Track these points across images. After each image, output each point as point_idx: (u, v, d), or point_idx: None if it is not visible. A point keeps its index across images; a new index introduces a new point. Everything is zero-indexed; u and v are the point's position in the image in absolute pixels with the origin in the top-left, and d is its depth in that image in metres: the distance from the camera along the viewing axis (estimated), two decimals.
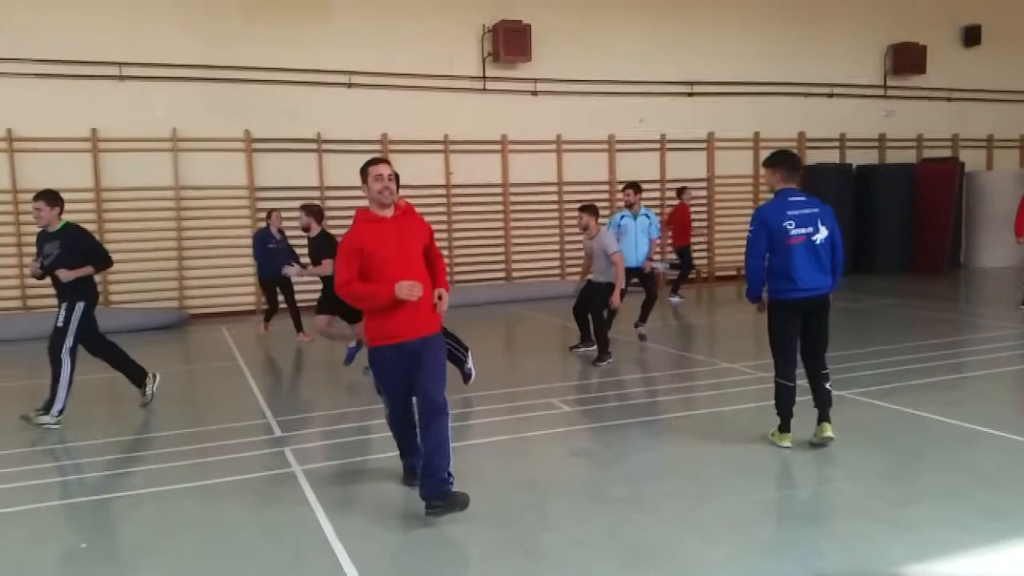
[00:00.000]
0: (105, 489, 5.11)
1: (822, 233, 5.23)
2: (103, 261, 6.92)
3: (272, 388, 8.12)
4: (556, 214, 15.34)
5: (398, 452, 4.95)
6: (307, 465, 5.42)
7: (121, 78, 12.52)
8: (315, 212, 8.05)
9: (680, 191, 13.94)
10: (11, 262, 12.08)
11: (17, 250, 12.02)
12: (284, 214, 11.07)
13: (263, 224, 11.27)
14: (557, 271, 15.36)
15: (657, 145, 15.97)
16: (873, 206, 16.67)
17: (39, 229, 6.83)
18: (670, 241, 14.00)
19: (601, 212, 9.13)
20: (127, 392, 7.30)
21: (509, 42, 14.29)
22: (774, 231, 5.19)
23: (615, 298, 8.42)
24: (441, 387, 4.41)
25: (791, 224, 5.18)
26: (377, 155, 4.42)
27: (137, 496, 4.98)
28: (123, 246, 12.62)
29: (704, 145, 16.36)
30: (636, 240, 9.38)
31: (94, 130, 12.44)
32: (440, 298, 4.49)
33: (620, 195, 9.84)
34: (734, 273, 16.39)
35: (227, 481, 5.21)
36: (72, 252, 6.69)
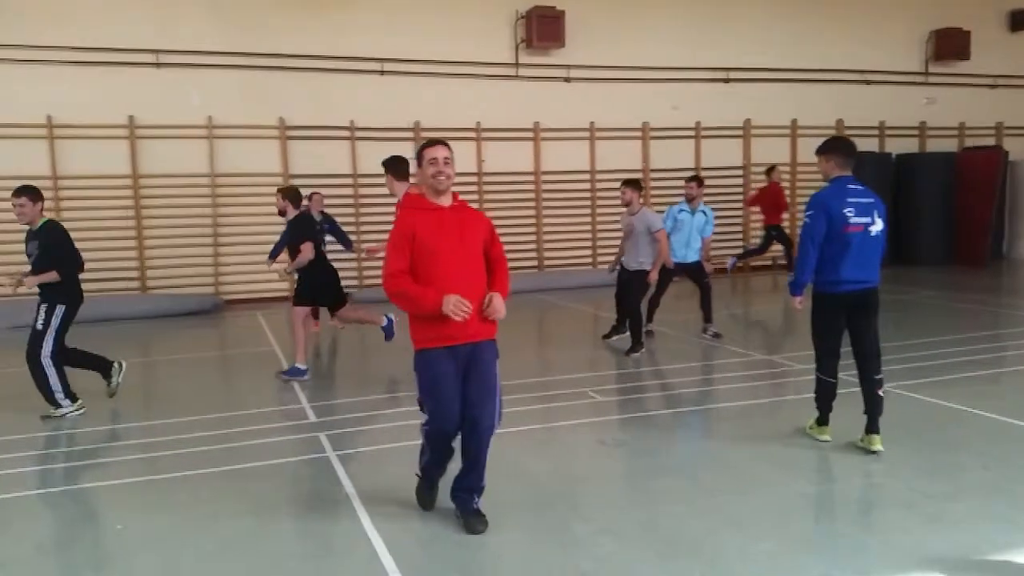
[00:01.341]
0: (140, 472, 5.17)
1: (878, 225, 5.04)
2: (69, 267, 6.43)
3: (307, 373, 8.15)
4: (588, 202, 15.24)
5: (420, 474, 4.33)
6: (341, 451, 5.45)
7: (157, 65, 12.63)
8: (291, 195, 7.75)
9: (769, 170, 13.73)
10: None
11: None
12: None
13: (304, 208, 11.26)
14: (589, 260, 15.27)
15: (692, 132, 15.77)
16: (913, 196, 16.32)
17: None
18: (760, 219, 13.80)
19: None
20: (161, 374, 7.38)
21: (542, 28, 14.19)
22: (834, 217, 4.96)
23: (654, 274, 8.28)
24: (494, 407, 3.98)
25: (851, 212, 4.96)
26: (433, 137, 4.13)
27: (172, 479, 5.04)
28: (160, 232, 12.82)
29: (740, 133, 16.13)
30: (690, 236, 9.04)
31: (131, 117, 12.58)
32: (490, 303, 3.92)
33: (683, 187, 9.30)
34: (770, 263, 16.19)
35: (262, 465, 5.25)
36: (46, 253, 6.36)
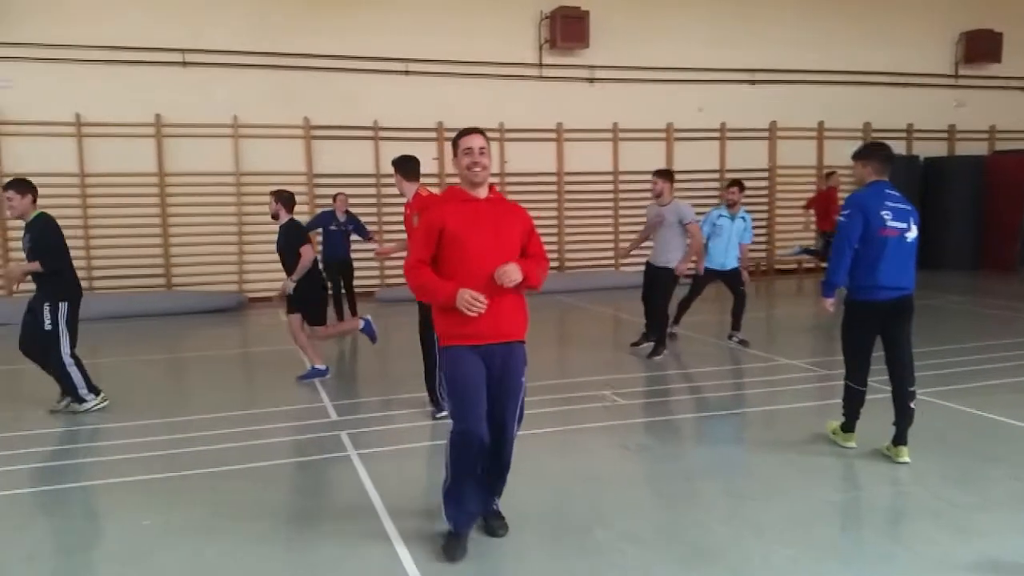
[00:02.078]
0: (163, 469, 5.21)
1: (913, 232, 4.94)
2: (55, 261, 6.32)
3: (329, 371, 8.17)
4: (611, 204, 15.18)
5: (444, 494, 3.87)
6: (362, 449, 5.45)
7: (184, 65, 12.75)
8: (285, 199, 7.56)
9: (828, 175, 13.62)
10: (78, 243, 12.40)
11: (84, 232, 12.34)
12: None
13: (329, 208, 11.29)
14: (611, 261, 15.22)
15: (717, 134, 15.66)
16: (941, 199, 16.10)
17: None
18: (813, 224, 13.62)
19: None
20: (185, 371, 7.42)
21: (567, 29, 14.16)
22: (871, 218, 4.85)
23: (683, 266, 8.10)
24: (517, 414, 3.83)
25: (888, 215, 4.86)
26: (469, 127, 3.85)
27: (194, 476, 5.06)
28: (185, 230, 12.94)
29: (766, 134, 16.00)
30: (729, 242, 8.77)
31: (158, 115, 12.70)
32: (504, 274, 3.60)
33: (723, 192, 9.04)
34: (794, 267, 16.05)
35: (283, 463, 5.27)
36: (36, 247, 6.27)
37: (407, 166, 6.46)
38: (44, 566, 3.87)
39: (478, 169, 3.72)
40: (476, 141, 3.74)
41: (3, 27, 11.94)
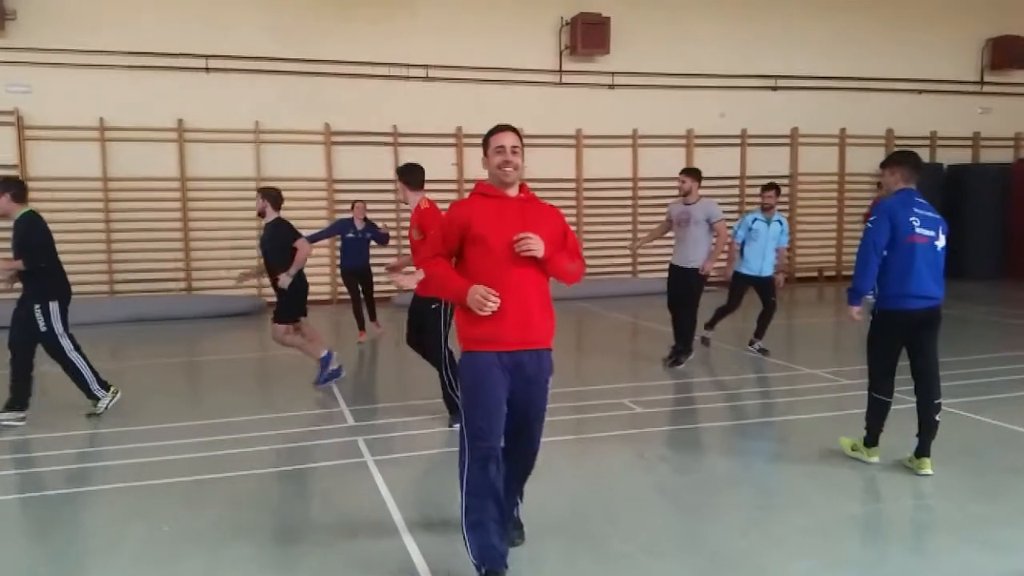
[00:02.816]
0: (183, 472, 5.22)
1: (941, 241, 4.86)
2: (35, 260, 6.22)
3: (347, 377, 8.18)
4: (630, 210, 15.13)
5: (466, 527, 3.52)
6: (379, 456, 5.44)
7: (207, 70, 12.86)
8: (272, 197, 7.46)
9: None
10: (100, 247, 12.54)
11: (106, 236, 12.47)
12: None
13: (348, 215, 11.32)
14: (629, 268, 15.16)
15: (738, 140, 15.57)
16: (965, 207, 15.88)
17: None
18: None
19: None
20: (204, 375, 7.45)
21: (587, 35, 14.14)
22: (899, 224, 4.77)
23: (709, 264, 7.90)
24: (541, 429, 3.68)
25: (917, 221, 4.79)
26: (501, 124, 3.68)
27: (213, 480, 5.07)
28: (206, 234, 13.03)
29: (787, 141, 15.88)
30: (766, 247, 8.59)
31: (180, 121, 12.82)
32: (526, 239, 3.36)
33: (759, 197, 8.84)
34: (815, 275, 15.91)
35: (301, 468, 5.28)
36: (20, 245, 6.22)
37: (412, 175, 6.24)
38: (69, 569, 3.88)
39: (509, 169, 3.50)
40: (508, 139, 3.52)
41: (29, 33, 12.10)
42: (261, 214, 7.48)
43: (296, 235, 7.35)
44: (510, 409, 3.50)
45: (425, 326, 6.09)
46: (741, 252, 8.68)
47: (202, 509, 4.55)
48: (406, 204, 6.26)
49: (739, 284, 8.84)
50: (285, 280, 7.21)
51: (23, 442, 6.01)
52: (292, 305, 7.44)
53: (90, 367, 6.53)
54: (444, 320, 6.00)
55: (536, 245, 3.38)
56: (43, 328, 6.29)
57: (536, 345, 3.53)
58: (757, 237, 8.60)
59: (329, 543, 4.10)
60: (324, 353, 7.56)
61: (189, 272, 12.97)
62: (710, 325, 9.06)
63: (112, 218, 12.51)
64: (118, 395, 6.62)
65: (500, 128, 3.59)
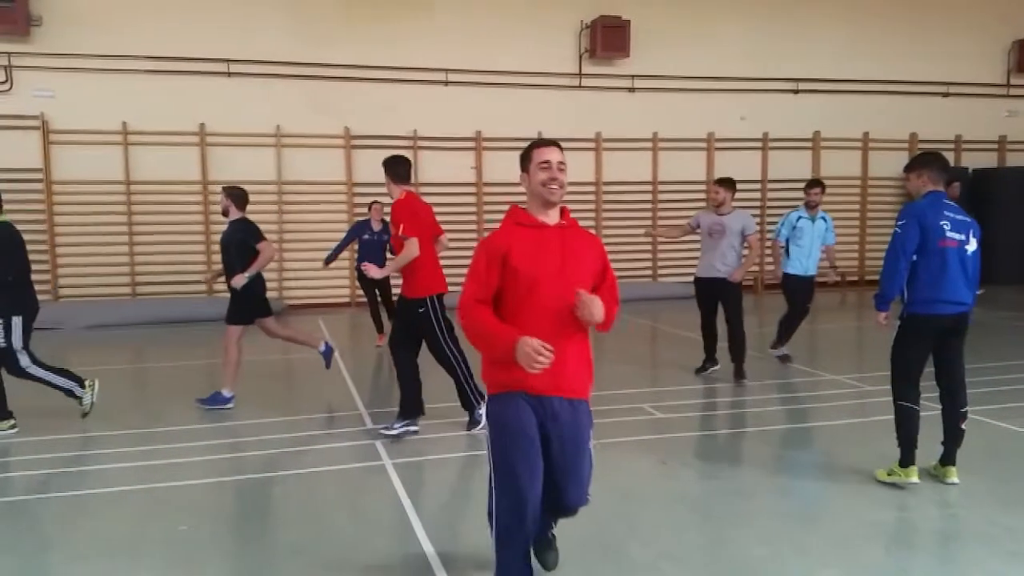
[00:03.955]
0: (200, 475, 5.24)
1: (972, 245, 4.73)
2: (3, 273, 6.02)
3: (365, 379, 8.20)
4: (650, 214, 15.06)
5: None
6: (398, 459, 5.43)
7: (229, 75, 12.95)
8: (235, 195, 7.22)
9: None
10: (123, 250, 12.64)
11: (128, 238, 12.56)
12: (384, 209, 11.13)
13: (365, 217, 11.34)
14: (649, 272, 15.08)
15: (759, 144, 15.47)
16: (991, 212, 15.63)
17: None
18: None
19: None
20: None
21: (607, 38, 14.12)
22: (929, 228, 4.62)
23: (739, 273, 7.64)
24: (587, 489, 3.35)
25: (947, 225, 4.67)
26: (543, 138, 3.48)
27: (230, 482, 5.09)
28: None
29: (809, 144, 15.75)
30: (812, 245, 8.29)
31: (202, 125, 12.92)
32: (582, 300, 3.05)
33: (806, 194, 8.47)
34: (838, 280, 15.73)
35: (320, 471, 5.27)
36: None
37: (397, 167, 6.08)
38: (93, 568, 3.90)
39: (555, 187, 3.20)
40: (555, 155, 3.22)
41: (53, 38, 12.25)
42: (225, 213, 7.24)
43: (260, 237, 7.10)
44: (547, 462, 3.19)
45: (422, 332, 6.05)
46: (786, 251, 8.41)
47: (219, 512, 4.56)
48: (391, 198, 6.09)
49: (793, 285, 8.45)
50: (240, 280, 6.93)
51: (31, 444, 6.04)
52: (245, 306, 7.16)
53: (56, 373, 6.36)
54: (437, 319, 5.95)
55: (597, 311, 3.07)
56: (2, 343, 6.07)
57: (571, 395, 3.22)
58: (802, 235, 8.32)
59: (347, 545, 4.08)
60: (228, 393, 7.03)
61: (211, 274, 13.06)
62: (780, 341, 8.62)
63: (135, 221, 12.60)
64: (95, 386, 6.50)
65: (544, 142, 3.31)
